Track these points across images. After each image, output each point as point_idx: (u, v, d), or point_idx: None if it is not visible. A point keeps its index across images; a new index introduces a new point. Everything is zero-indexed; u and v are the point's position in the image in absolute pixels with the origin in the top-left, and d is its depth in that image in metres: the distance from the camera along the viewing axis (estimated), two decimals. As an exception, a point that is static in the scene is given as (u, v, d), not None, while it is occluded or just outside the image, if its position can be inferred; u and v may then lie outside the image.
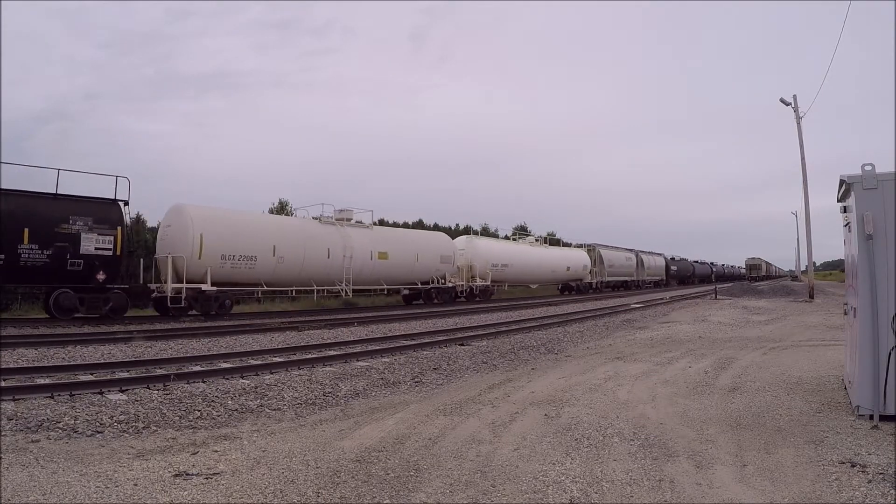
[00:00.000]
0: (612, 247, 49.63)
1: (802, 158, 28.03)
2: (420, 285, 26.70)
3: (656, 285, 57.43)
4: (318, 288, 21.43)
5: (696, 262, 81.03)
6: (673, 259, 68.54)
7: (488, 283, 30.51)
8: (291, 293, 22.74)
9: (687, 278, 71.51)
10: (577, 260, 41.73)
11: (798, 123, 28.28)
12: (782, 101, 28.94)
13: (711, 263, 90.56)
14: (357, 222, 24.21)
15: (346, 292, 22.35)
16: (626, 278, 50.39)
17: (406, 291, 27.60)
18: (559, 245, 43.98)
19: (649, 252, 58.27)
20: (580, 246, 45.03)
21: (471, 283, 29.58)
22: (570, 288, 41.91)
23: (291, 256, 20.04)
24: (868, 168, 5.16)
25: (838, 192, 5.94)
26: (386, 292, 26.50)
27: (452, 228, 46.32)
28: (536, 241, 39.89)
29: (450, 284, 27.83)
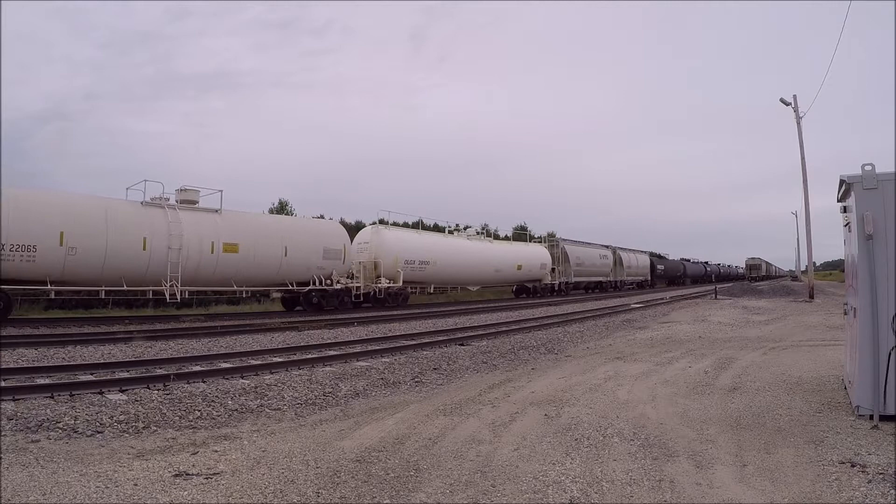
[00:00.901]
0: (583, 242, 44.40)
1: (802, 158, 28.03)
2: (294, 287, 20.81)
3: (639, 286, 52.03)
4: (131, 288, 16.88)
5: (687, 260, 76.34)
6: (660, 257, 64.51)
7: (400, 283, 24.63)
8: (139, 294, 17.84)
9: (676, 279, 66.66)
10: (531, 257, 35.43)
11: (798, 123, 28.28)
12: (782, 101, 28.94)
13: (706, 263, 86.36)
14: (204, 208, 18.93)
15: (175, 294, 17.22)
16: (600, 278, 44.74)
17: (277, 294, 22.42)
18: (526, 240, 39.62)
19: (631, 249, 53.49)
20: (540, 240, 40.17)
21: (377, 285, 23.85)
22: (527, 290, 36.29)
23: (87, 247, 15.68)
24: (868, 168, 5.16)
25: (838, 192, 5.94)
26: (245, 294, 21.14)
27: (456, 226, 45.07)
28: (478, 234, 34.36)
29: (338, 286, 21.94)
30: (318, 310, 20.85)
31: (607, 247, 48.17)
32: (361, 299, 23.45)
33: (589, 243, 45.23)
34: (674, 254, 78.75)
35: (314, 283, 21.22)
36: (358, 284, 23.15)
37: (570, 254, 39.76)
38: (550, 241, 40.23)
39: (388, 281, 24.30)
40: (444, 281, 29.32)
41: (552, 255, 38.31)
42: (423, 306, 26.08)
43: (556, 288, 38.26)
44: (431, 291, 29.85)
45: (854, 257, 5.45)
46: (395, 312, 21.05)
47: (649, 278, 56.65)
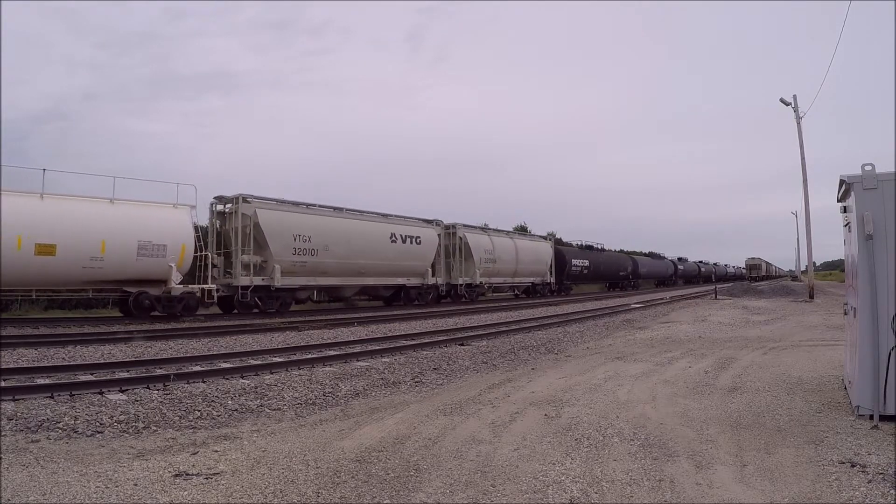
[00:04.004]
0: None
1: (802, 158, 28.04)
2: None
3: (528, 293, 35.30)
4: None
5: (654, 255, 63.73)
6: (593, 249, 45.19)
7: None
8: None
9: (622, 280, 50.01)
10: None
11: (798, 123, 28.29)
12: (782, 101, 28.95)
13: (699, 262, 79.31)
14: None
15: None
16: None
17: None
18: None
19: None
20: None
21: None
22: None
23: None
24: (868, 168, 5.16)
25: (838, 192, 5.94)
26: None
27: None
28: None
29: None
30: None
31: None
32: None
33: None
34: (673, 254, 74.06)
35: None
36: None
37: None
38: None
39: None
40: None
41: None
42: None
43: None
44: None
45: (854, 257, 5.44)
46: (395, 312, 20.97)
47: (548, 279, 42.28)
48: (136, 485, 3.93)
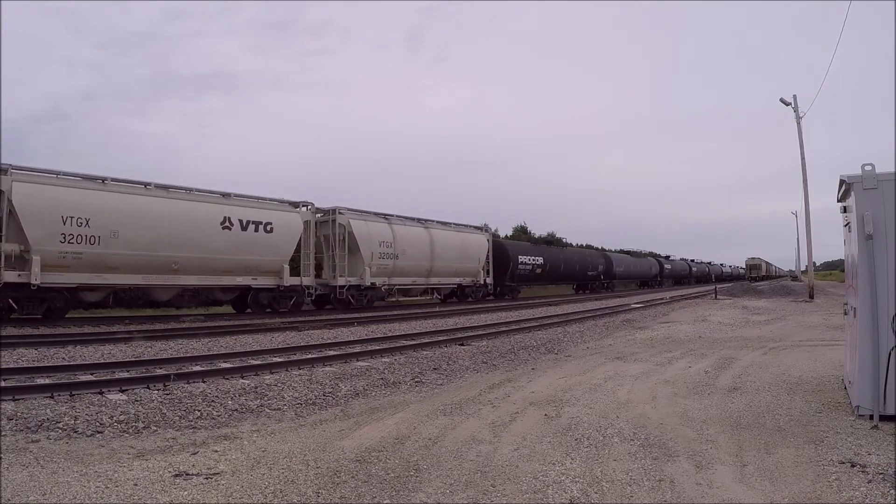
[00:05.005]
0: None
1: (802, 158, 28.04)
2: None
3: (460, 298, 28.54)
4: None
5: (636, 254, 58.26)
6: (552, 244, 39.74)
7: None
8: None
9: (592, 281, 43.27)
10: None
11: (798, 123, 28.30)
12: (782, 101, 28.96)
13: (691, 261, 73.72)
14: None
15: None
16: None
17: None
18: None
19: (455, 225, 28.77)
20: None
21: None
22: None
23: None
24: (868, 168, 5.16)
25: (838, 192, 5.94)
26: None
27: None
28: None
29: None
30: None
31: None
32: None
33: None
34: (671, 254, 70.95)
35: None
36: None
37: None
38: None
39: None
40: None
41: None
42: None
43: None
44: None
45: (854, 257, 5.45)
46: (395, 312, 20.71)
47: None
48: (136, 485, 3.93)
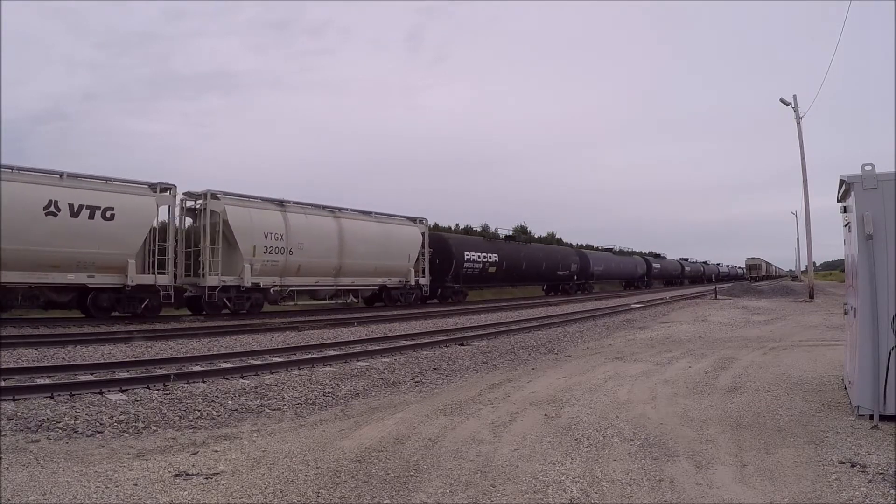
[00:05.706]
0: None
1: (802, 158, 28.04)
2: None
3: (386, 302, 23.97)
4: None
5: (623, 252, 51.16)
6: (512, 239, 33.56)
7: None
8: None
9: (564, 282, 37.93)
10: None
11: (798, 123, 28.30)
12: (782, 101, 28.96)
13: (683, 260, 69.89)
14: None
15: None
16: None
17: None
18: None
19: (376, 215, 23.91)
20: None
21: None
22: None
23: None
24: (868, 168, 5.16)
25: (838, 192, 5.94)
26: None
27: (452, 228, 36.75)
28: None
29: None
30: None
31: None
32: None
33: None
34: (671, 254, 69.49)
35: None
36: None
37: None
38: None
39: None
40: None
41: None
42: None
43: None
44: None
45: (854, 257, 5.44)
46: (394, 312, 20.50)
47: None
48: (136, 485, 3.93)
